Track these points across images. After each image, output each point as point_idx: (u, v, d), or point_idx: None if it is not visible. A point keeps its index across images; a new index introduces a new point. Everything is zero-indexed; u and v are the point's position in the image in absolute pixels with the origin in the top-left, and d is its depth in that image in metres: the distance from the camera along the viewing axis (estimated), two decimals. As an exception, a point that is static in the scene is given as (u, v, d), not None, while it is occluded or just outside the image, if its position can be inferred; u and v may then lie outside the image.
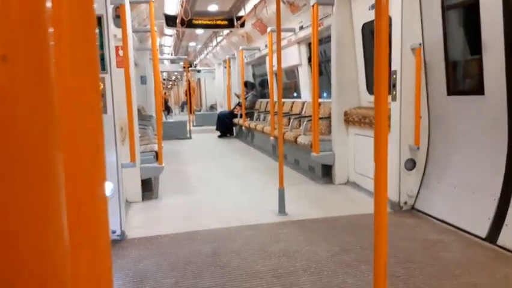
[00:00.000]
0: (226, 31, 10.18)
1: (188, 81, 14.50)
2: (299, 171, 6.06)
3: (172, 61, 16.60)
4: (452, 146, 3.71)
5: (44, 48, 0.42)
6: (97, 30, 3.21)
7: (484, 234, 3.16)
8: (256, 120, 9.13)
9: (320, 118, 5.39)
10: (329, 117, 5.40)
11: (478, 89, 3.36)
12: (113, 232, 3.36)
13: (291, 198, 4.23)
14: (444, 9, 3.62)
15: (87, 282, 0.48)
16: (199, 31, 10.88)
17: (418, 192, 4.00)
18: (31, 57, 0.41)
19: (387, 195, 1.68)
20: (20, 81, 0.40)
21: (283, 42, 7.33)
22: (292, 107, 7.73)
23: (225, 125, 11.33)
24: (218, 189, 5.22)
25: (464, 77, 3.75)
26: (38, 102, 0.42)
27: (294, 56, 7.46)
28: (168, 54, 16.74)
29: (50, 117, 0.43)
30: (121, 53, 4.16)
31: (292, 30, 6.84)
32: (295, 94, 8.57)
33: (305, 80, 7.36)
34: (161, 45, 14.73)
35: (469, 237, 3.23)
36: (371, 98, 4.76)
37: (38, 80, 0.42)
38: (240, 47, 9.84)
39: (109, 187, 3.27)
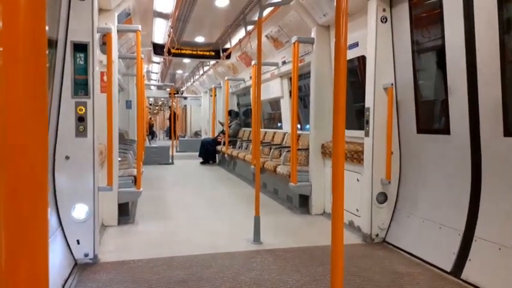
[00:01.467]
0: (212, 61, 10.44)
1: (172, 107, 14.63)
2: (277, 201, 6.14)
3: (159, 87, 16.78)
4: (422, 181, 3.87)
5: None
6: (82, 56, 3.33)
7: (449, 268, 3.27)
8: (239, 148, 9.25)
9: (299, 149, 5.54)
10: (307, 149, 5.55)
11: (444, 128, 3.56)
12: (86, 255, 3.36)
13: (267, 226, 4.29)
14: (414, 52, 3.87)
15: None
16: (186, 60, 11.14)
17: (389, 225, 4.12)
18: None
19: (343, 227, 1.79)
20: None
21: (267, 75, 7.59)
22: (273, 137, 7.90)
23: (208, 152, 11.40)
24: (195, 216, 5.25)
25: (432, 117, 3.96)
26: None
27: (276, 89, 7.70)
28: (155, 80, 16.94)
29: None
30: (105, 78, 4.27)
31: (276, 64, 7.11)
32: (279, 124, 8.77)
33: (286, 111, 7.57)
34: (148, 71, 14.94)
35: (435, 271, 3.33)
36: (347, 132, 4.93)
37: None
38: (226, 77, 10.08)
39: (83, 210, 3.30)
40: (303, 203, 5.40)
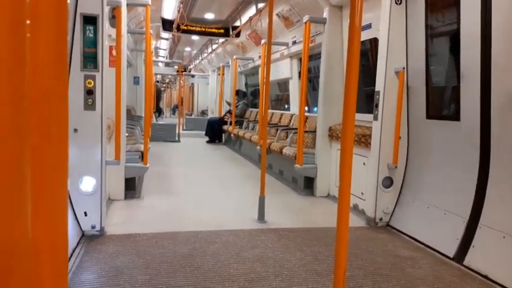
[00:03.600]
0: (221, 39, 10.33)
1: (180, 85, 14.58)
2: (283, 182, 6.16)
3: (167, 64, 16.69)
4: (428, 167, 3.86)
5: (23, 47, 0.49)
6: (92, 29, 3.30)
7: (452, 254, 3.29)
8: (245, 128, 9.24)
9: (306, 131, 5.52)
10: (314, 131, 5.53)
11: (454, 115, 3.52)
12: (93, 227, 3.42)
13: (272, 207, 4.32)
14: (428, 36, 3.79)
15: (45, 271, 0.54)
16: (195, 37, 11.03)
17: (394, 210, 4.14)
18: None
19: (349, 209, 1.80)
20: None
21: (277, 55, 7.50)
22: (280, 118, 7.87)
23: (215, 131, 11.41)
24: (201, 193, 5.30)
25: (442, 103, 3.91)
26: (12, 98, 0.48)
27: (286, 70, 7.62)
28: (163, 57, 16.84)
29: (21, 114, 0.49)
30: (114, 52, 4.24)
31: (286, 44, 7.01)
32: (286, 106, 8.72)
33: (295, 93, 7.51)
34: (156, 48, 14.83)
35: (438, 256, 3.36)
36: (356, 115, 4.90)
37: (16, 78, 0.48)
38: (235, 56, 9.99)
39: (91, 183, 3.33)
40: (308, 184, 5.42)
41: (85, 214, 3.40)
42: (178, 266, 2.91)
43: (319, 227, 4.04)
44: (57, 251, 0.56)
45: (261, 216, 4.05)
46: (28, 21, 0.49)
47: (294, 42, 6.76)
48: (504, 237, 2.94)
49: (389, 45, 3.95)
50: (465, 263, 3.15)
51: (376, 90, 4.06)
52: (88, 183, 3.37)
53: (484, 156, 3.22)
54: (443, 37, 3.84)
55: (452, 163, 3.55)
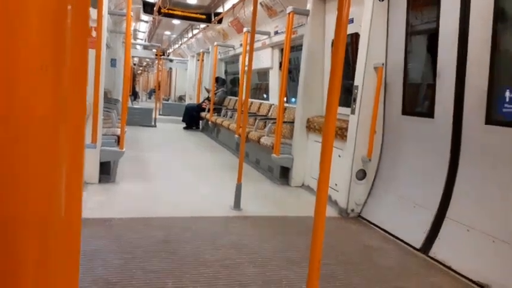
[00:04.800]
0: (203, 25, 10.21)
1: (158, 69, 14.34)
2: (259, 170, 6.23)
3: (145, 47, 16.35)
4: (401, 161, 3.99)
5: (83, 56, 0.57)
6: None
7: (419, 245, 3.43)
8: (224, 116, 9.23)
9: (284, 122, 5.58)
10: (292, 122, 5.60)
11: (429, 112, 3.65)
12: (67, 210, 3.37)
13: (248, 195, 4.38)
14: (408, 34, 3.89)
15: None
16: (176, 21, 10.85)
17: (365, 201, 4.27)
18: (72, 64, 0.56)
19: (326, 200, 1.86)
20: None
21: (258, 44, 7.49)
22: (259, 108, 7.90)
23: (192, 118, 11.33)
24: (177, 179, 5.29)
25: (418, 100, 4.04)
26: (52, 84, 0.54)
27: (266, 59, 7.63)
28: (142, 39, 16.47)
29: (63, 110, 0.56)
30: (94, 34, 4.14)
31: (268, 33, 7.01)
32: (265, 96, 8.75)
33: (275, 83, 7.55)
34: (135, 30, 14.50)
35: (406, 247, 3.50)
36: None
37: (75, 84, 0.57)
38: (215, 43, 9.90)
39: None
40: (284, 174, 5.49)
41: None
42: (153, 251, 2.92)
43: (293, 216, 4.13)
44: (75, 227, 0.62)
45: (237, 204, 4.10)
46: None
47: (276, 33, 6.77)
48: (468, 230, 3.10)
49: (370, 41, 4.03)
50: (430, 254, 3.30)
51: (355, 84, 4.15)
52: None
53: (454, 153, 3.36)
54: (422, 35, 3.94)
55: (424, 158, 3.68)
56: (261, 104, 7.98)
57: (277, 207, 4.43)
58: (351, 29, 4.62)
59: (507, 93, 2.92)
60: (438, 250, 3.27)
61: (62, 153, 0.56)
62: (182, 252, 2.95)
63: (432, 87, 3.61)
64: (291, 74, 6.99)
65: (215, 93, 10.03)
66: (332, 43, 5.18)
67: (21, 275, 0.54)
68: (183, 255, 2.89)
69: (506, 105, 2.93)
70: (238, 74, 10.14)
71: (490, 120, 3.03)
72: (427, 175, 3.62)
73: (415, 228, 3.53)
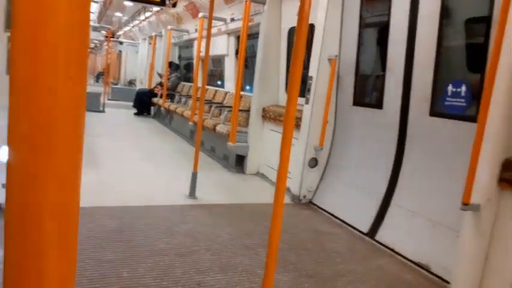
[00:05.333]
0: (156, 8, 9.88)
1: (108, 51, 13.74)
2: (214, 158, 6.22)
3: (95, 29, 15.57)
4: (351, 150, 4.17)
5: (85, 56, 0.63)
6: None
7: (366, 230, 3.63)
8: (177, 103, 9.07)
9: (240, 110, 5.60)
10: (248, 110, 5.63)
11: (378, 103, 3.83)
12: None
13: (203, 183, 4.37)
14: (361, 27, 4.03)
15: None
16: (128, 3, 10.40)
17: (317, 188, 4.43)
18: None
19: (285, 187, 1.92)
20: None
21: (214, 31, 7.39)
22: (215, 95, 7.85)
23: (143, 103, 11.01)
24: (129, 168, 5.16)
25: (368, 91, 4.22)
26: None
27: (222, 46, 7.57)
28: (92, 21, 15.64)
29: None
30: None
31: (224, 20, 6.94)
32: (219, 82, 8.69)
33: (231, 71, 7.52)
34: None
35: (354, 232, 3.69)
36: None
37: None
38: (169, 27, 9.64)
39: (3, 151, 3.10)
40: (239, 162, 5.54)
41: (2, 186, 3.16)
42: (107, 241, 2.86)
43: (248, 203, 4.19)
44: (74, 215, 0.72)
45: (192, 192, 4.09)
46: None
47: (233, 19, 6.72)
48: (411, 215, 3.33)
49: (325, 32, 4.13)
50: (377, 238, 3.51)
51: (309, 75, 4.25)
52: (5, 153, 3.12)
53: (400, 143, 3.57)
54: (374, 29, 4.10)
55: (373, 147, 3.87)
56: (216, 91, 7.93)
57: (232, 195, 4.47)
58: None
59: (449, 88, 3.14)
60: (384, 234, 3.48)
61: (76, 145, 0.67)
62: (137, 241, 2.92)
63: (382, 79, 3.79)
64: (247, 61, 7.00)
65: (168, 79, 9.81)
66: (289, 32, 5.26)
67: (43, 254, 0.64)
68: (137, 245, 2.86)
69: (448, 98, 3.15)
70: (192, 59, 9.97)
71: (433, 112, 3.25)
72: (375, 163, 3.82)
73: (363, 214, 3.73)
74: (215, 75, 9.19)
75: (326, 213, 4.10)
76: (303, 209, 4.22)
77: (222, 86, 8.18)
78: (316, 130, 4.26)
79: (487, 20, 2.85)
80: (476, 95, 2.82)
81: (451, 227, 2.85)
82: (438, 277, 2.82)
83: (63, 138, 0.62)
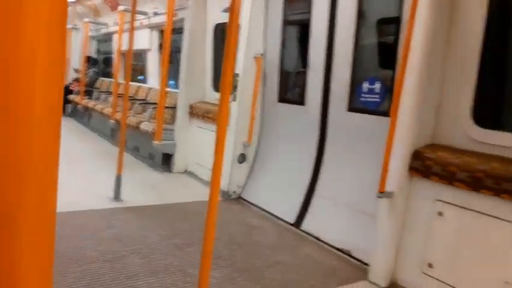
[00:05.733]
0: (70, -2, 9.21)
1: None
2: (138, 158, 6.01)
3: None
4: (277, 145, 4.32)
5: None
6: None
7: (292, 221, 3.80)
8: (96, 99, 8.57)
9: (166, 107, 5.48)
10: (174, 107, 5.53)
11: (300, 100, 4.01)
12: None
13: (128, 184, 4.21)
14: (284, 25, 4.17)
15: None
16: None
17: (246, 183, 4.51)
18: None
19: (219, 184, 1.94)
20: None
21: (136, 24, 7.11)
22: (137, 91, 7.56)
23: (58, 101, 10.22)
24: (45, 170, 4.78)
25: (292, 88, 4.39)
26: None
27: (144, 40, 7.31)
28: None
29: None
30: None
31: (145, 13, 6.71)
32: (141, 77, 8.38)
33: (154, 66, 7.30)
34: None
35: (281, 223, 3.83)
36: (216, 95, 5.09)
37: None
38: (86, 19, 9.05)
39: None
40: (166, 161, 5.43)
41: None
42: (24, 252, 2.64)
43: (178, 203, 4.14)
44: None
45: (117, 195, 3.93)
46: None
47: (156, 13, 6.52)
48: (333, 204, 3.55)
49: (250, 31, 4.20)
50: (302, 227, 3.68)
51: (236, 72, 4.29)
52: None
53: (322, 137, 3.78)
54: (296, 27, 4.26)
55: (297, 142, 4.05)
56: (139, 87, 7.65)
57: (160, 196, 4.38)
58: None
59: (364, 85, 3.39)
60: (309, 224, 3.67)
61: (53, 149, 0.67)
62: (62, 249, 2.73)
63: (304, 76, 3.97)
64: (171, 56, 6.84)
65: (85, 74, 9.22)
66: (215, 28, 5.24)
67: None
68: (63, 253, 2.68)
69: (363, 95, 3.40)
70: (111, 53, 9.48)
71: (351, 108, 3.49)
72: (299, 157, 4.00)
73: (289, 206, 3.89)
74: (136, 70, 8.84)
75: (255, 207, 4.20)
76: (233, 204, 4.28)
77: (144, 81, 7.91)
78: (244, 126, 4.34)
79: (397, 21, 3.10)
80: (389, 91, 3.09)
81: (369, 213, 3.09)
82: (359, 260, 3.06)
83: (39, 143, 0.64)
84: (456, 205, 2.43)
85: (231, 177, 4.41)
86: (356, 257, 3.11)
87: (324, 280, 2.77)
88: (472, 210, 2.35)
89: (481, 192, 2.28)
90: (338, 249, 3.27)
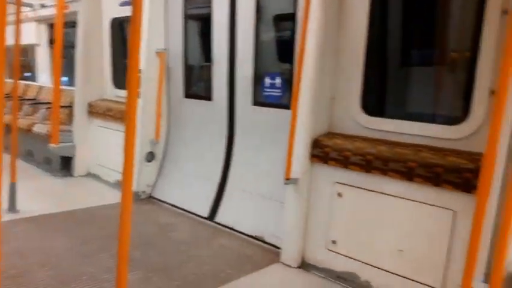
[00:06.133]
0: None
1: None
2: (32, 163, 5.48)
3: None
4: (187, 141, 4.31)
5: None
6: None
7: (206, 214, 3.85)
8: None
9: (62, 106, 5.08)
10: (70, 106, 5.16)
11: (207, 95, 4.05)
12: None
13: (24, 193, 3.84)
14: (186, 19, 4.15)
15: None
16: None
17: (156, 182, 4.43)
18: None
19: (132, 185, 1.90)
20: None
21: (21, 16, 6.42)
22: (26, 90, 6.84)
23: None
24: None
25: (198, 84, 4.41)
26: None
27: (30, 34, 6.63)
28: None
29: None
30: None
31: (30, 5, 6.09)
32: (27, 74, 7.59)
33: (44, 62, 6.68)
34: None
35: (195, 218, 3.86)
36: (117, 92, 4.88)
37: None
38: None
39: None
40: (65, 164, 5.05)
41: None
42: None
43: (82, 208, 3.91)
44: None
45: (13, 206, 3.57)
46: None
47: (43, 6, 5.96)
48: (245, 194, 3.69)
49: (150, 25, 4.10)
50: (217, 220, 3.76)
51: (139, 68, 4.16)
52: None
53: (230, 131, 3.88)
54: (198, 21, 4.26)
55: (207, 137, 4.10)
56: (28, 86, 6.93)
57: (62, 202, 4.07)
58: (129, 12, 4.56)
59: (266, 80, 3.57)
60: (222, 215, 3.76)
61: None
62: None
63: (209, 71, 4.01)
64: (63, 52, 6.34)
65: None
66: (111, 23, 4.98)
67: None
68: None
69: (266, 89, 3.58)
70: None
71: (256, 102, 3.64)
72: (210, 151, 4.06)
73: (202, 200, 3.94)
74: (23, 67, 7.99)
75: (168, 205, 4.17)
76: (144, 204, 4.18)
77: (31, 78, 7.19)
78: (151, 123, 4.25)
79: (292, 17, 3.27)
80: (290, 85, 3.29)
81: (279, 199, 3.27)
82: (273, 245, 3.23)
83: None
84: (352, 186, 2.73)
85: (139, 177, 4.29)
86: (269, 242, 3.28)
87: (240, 268, 2.89)
88: (365, 189, 2.66)
89: (372, 172, 2.59)
90: (252, 237, 3.41)
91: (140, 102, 4.19)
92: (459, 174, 2.21)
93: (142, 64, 4.14)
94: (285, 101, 3.41)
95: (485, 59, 2.24)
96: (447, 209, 2.30)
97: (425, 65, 3.23)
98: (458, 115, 2.44)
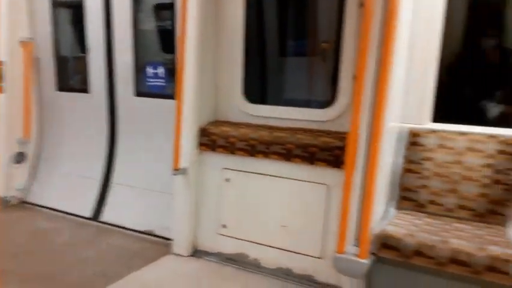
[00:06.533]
0: None
1: None
2: None
3: None
4: (64, 138, 3.96)
5: None
6: None
7: (90, 215, 3.61)
8: None
9: None
10: None
11: (84, 87, 3.77)
12: None
13: None
14: (54, 6, 3.78)
15: None
16: None
17: (30, 185, 3.99)
18: None
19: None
20: None
21: None
22: None
23: None
24: None
25: (72, 75, 4.07)
26: None
27: None
28: None
29: None
30: None
31: None
32: None
33: None
34: None
35: (78, 220, 3.59)
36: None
37: None
38: None
39: None
40: None
41: None
42: None
43: None
44: None
45: None
46: None
47: None
48: (130, 190, 3.55)
49: (10, 12, 3.64)
50: (102, 219, 3.56)
51: (1, 60, 3.68)
52: None
53: (112, 124, 3.68)
54: (69, 9, 3.91)
55: (86, 132, 3.82)
56: None
57: None
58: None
59: (148, 69, 3.47)
60: (108, 214, 3.57)
61: None
62: None
63: (84, 62, 3.73)
64: None
65: None
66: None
67: None
68: None
69: (149, 79, 3.48)
70: None
71: (138, 92, 3.52)
72: (90, 147, 3.79)
73: (84, 200, 3.68)
74: None
75: (46, 209, 3.79)
76: (15, 210, 3.75)
77: None
78: (18, 121, 3.80)
79: (171, 7, 3.21)
80: (173, 75, 3.25)
81: (167, 191, 3.22)
82: (164, 238, 3.18)
83: None
84: (239, 170, 2.84)
85: (6, 181, 3.82)
86: (161, 235, 3.22)
87: (130, 264, 2.79)
88: (250, 172, 2.79)
89: (256, 156, 2.72)
90: (141, 232, 3.31)
91: (4, 97, 3.72)
92: (330, 152, 2.46)
93: (6, 55, 3.67)
94: (169, 91, 3.36)
95: (348, 48, 2.53)
96: (321, 183, 2.55)
97: (299, 55, 3.51)
98: (329, 99, 2.70)
